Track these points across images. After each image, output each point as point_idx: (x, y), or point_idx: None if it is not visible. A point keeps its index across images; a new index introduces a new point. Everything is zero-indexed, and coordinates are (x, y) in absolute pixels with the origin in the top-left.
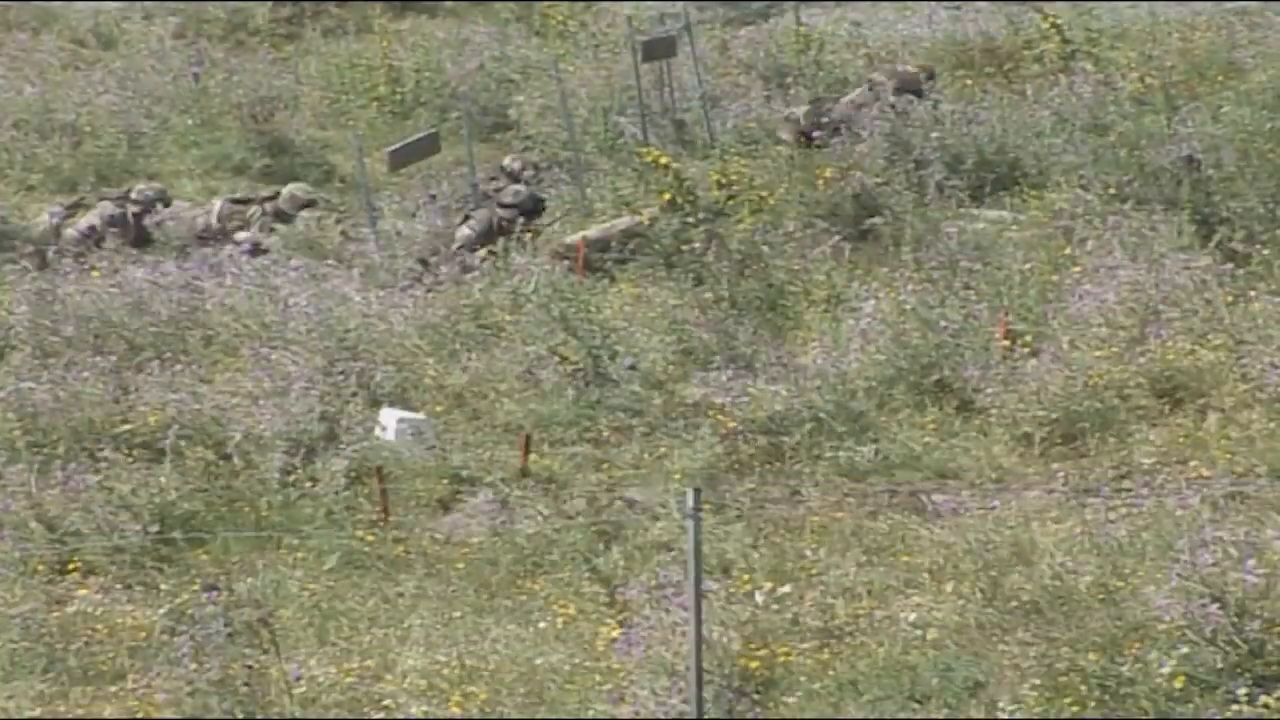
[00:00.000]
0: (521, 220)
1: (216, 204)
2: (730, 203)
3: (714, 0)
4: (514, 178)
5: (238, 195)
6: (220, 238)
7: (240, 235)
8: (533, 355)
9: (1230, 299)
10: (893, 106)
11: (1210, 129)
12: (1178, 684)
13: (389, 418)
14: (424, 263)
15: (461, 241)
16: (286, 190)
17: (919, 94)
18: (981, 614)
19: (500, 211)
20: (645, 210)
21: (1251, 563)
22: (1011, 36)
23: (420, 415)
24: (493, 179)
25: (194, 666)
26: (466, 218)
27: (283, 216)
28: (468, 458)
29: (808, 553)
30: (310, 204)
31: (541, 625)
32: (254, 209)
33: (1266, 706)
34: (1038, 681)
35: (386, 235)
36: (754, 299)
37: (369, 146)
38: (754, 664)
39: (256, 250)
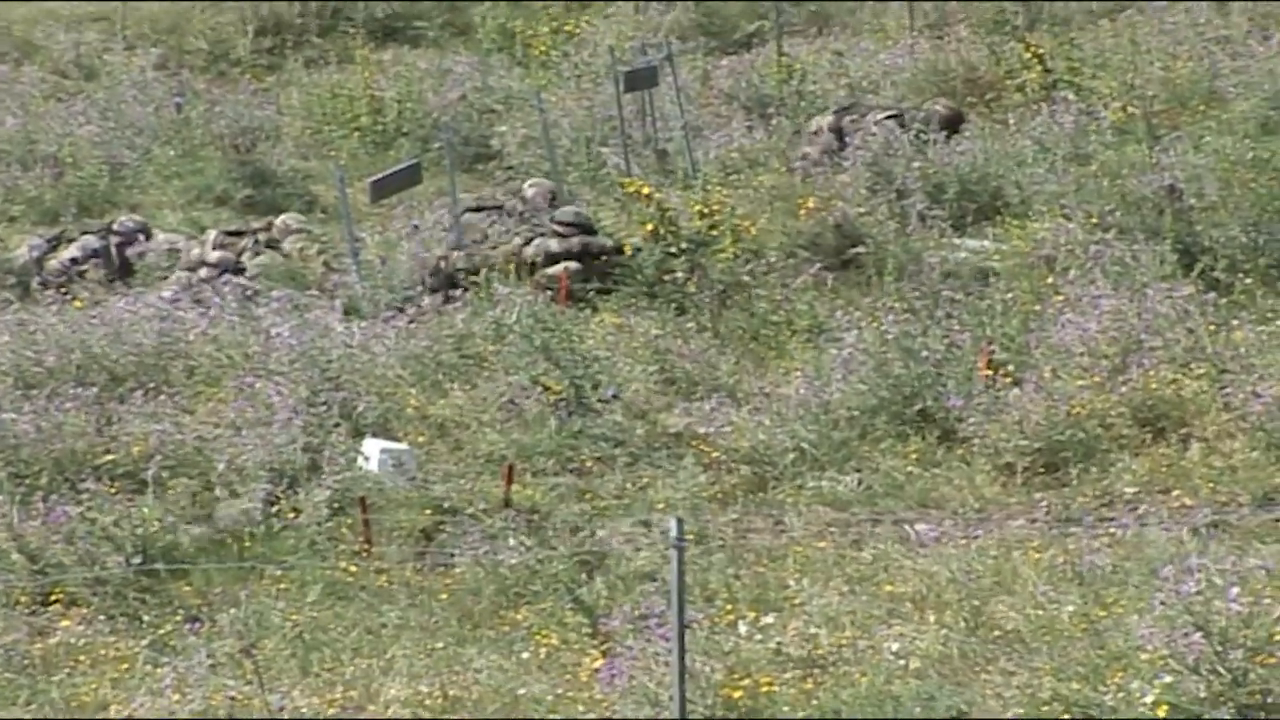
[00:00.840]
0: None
1: (211, 235)
2: (712, 233)
3: None
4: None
5: (232, 228)
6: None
7: (214, 255)
8: (515, 385)
9: (1213, 328)
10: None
11: (1192, 158)
12: (1161, 713)
13: (372, 448)
14: (434, 282)
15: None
16: (280, 220)
17: (957, 129)
18: (964, 643)
19: (559, 229)
20: (627, 240)
21: (1234, 591)
22: (993, 66)
23: (403, 445)
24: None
25: (176, 698)
26: (530, 239)
27: (276, 246)
28: (450, 488)
29: (791, 582)
30: (299, 234)
31: (524, 655)
32: (246, 240)
33: None
34: (1020, 711)
35: (369, 266)
36: (736, 329)
37: (351, 177)
38: (737, 694)
39: (237, 272)
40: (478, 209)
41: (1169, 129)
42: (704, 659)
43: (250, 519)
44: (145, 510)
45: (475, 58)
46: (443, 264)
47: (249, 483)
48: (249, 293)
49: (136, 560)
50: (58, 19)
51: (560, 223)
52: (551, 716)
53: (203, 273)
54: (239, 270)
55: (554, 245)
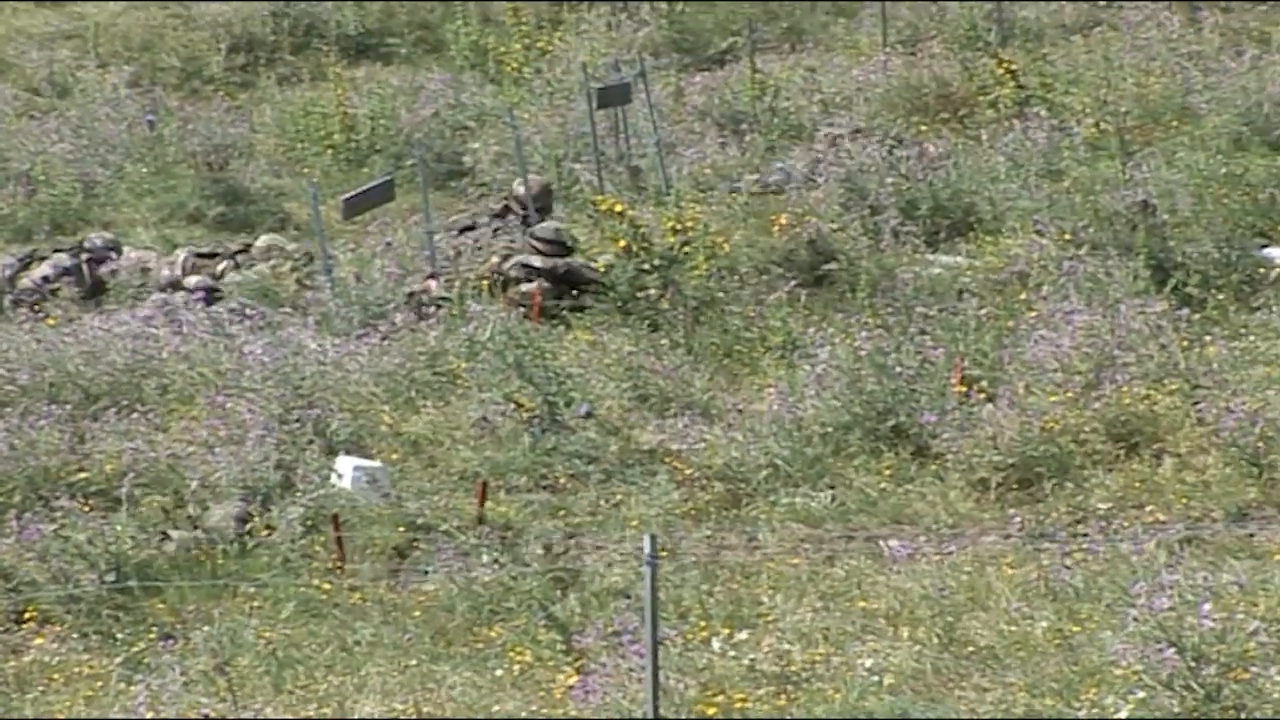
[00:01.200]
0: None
1: (180, 255)
2: (685, 249)
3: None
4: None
5: (203, 249)
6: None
7: (191, 280)
8: (488, 402)
9: (1186, 344)
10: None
11: (1165, 174)
12: None
13: (345, 465)
14: (419, 297)
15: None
16: (260, 241)
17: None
18: (938, 659)
19: (538, 245)
20: (600, 257)
21: (1207, 607)
22: (966, 82)
23: (376, 463)
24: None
25: (150, 715)
26: (508, 255)
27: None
28: (423, 505)
29: (764, 599)
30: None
31: (498, 673)
32: (224, 263)
33: None
34: None
35: (342, 283)
36: (710, 345)
37: (324, 194)
38: (711, 710)
39: (210, 296)
40: (471, 227)
41: (1142, 144)
42: (678, 675)
43: (224, 536)
44: (118, 528)
45: (448, 75)
46: (424, 298)
47: (222, 500)
48: (224, 309)
49: (110, 578)
50: (30, 36)
51: (539, 239)
52: None
53: (179, 295)
54: (216, 292)
55: (536, 262)
